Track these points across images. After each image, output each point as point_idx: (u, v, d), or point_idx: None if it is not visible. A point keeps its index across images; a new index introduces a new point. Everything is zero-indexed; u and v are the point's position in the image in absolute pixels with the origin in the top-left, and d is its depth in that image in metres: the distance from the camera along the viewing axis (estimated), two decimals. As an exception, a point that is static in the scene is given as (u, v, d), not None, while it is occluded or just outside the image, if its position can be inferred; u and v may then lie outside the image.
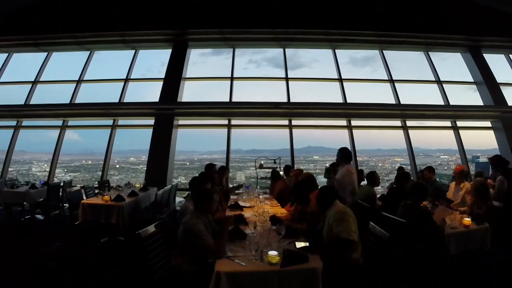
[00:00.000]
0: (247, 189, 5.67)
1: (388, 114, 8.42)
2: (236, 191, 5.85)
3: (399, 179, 4.38)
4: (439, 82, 9.07)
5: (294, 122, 8.36)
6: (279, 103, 8.24)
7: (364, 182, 5.12)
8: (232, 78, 8.68)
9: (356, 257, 2.65)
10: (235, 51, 9.18)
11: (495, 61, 9.72)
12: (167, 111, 7.81)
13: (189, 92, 8.63)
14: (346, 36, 8.89)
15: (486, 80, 8.93)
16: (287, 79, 8.77)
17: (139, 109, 8.11)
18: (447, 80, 9.15)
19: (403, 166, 6.60)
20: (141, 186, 6.14)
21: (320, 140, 10.37)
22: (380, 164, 9.90)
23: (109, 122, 8.32)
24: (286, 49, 9.23)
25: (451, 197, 4.77)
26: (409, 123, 8.53)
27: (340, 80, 8.81)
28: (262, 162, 7.19)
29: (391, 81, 8.92)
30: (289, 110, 8.23)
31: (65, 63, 9.65)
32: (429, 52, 9.50)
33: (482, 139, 9.56)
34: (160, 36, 8.81)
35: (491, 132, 8.74)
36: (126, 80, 8.74)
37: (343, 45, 9.31)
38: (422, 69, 9.47)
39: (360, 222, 2.84)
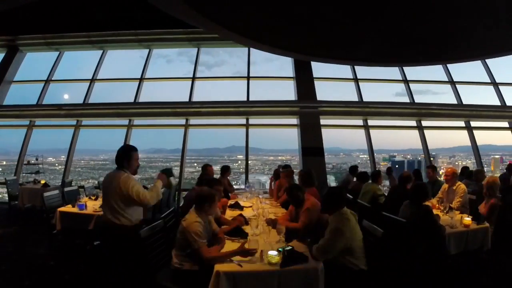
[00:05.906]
0: (247, 189, 5.67)
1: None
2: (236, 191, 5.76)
3: (401, 179, 4.47)
4: (247, 78, 9.08)
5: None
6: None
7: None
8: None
9: (356, 263, 2.53)
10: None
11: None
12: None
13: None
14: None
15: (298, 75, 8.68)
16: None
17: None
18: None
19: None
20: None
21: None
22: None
23: None
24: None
25: (442, 197, 4.70)
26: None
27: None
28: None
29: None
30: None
31: None
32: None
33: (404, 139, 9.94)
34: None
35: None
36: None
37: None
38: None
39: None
